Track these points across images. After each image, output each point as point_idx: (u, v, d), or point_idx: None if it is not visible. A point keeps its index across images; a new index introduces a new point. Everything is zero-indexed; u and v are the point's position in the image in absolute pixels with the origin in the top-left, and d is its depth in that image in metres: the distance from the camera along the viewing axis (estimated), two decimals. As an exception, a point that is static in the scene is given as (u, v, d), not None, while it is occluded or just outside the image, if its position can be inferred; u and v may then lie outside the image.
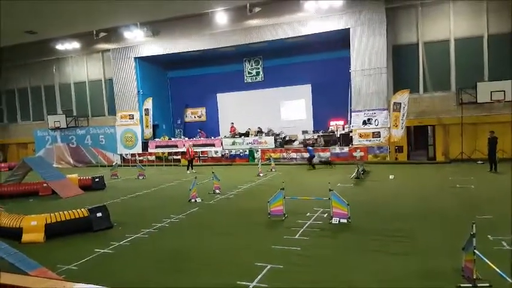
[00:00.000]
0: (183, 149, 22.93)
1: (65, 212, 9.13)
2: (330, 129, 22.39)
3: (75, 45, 26.18)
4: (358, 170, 15.02)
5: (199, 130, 25.99)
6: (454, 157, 19.14)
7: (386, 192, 12.27)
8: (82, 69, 27.95)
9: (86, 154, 26.89)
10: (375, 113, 20.02)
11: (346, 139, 20.95)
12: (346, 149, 20.47)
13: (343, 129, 21.99)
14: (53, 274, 6.20)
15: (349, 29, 20.30)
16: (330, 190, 8.82)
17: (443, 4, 19.37)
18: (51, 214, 8.96)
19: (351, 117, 21.12)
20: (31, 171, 15.98)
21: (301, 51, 23.41)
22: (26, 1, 18.58)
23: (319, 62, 23.35)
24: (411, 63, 20.15)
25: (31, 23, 22.50)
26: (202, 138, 24.76)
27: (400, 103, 19.03)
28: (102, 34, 25.20)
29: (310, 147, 19.50)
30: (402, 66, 20.40)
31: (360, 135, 20.31)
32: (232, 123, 25.38)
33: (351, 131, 20.83)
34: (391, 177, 15.14)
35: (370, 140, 20.07)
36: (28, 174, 16.43)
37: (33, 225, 8.64)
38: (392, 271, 6.03)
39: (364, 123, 20.19)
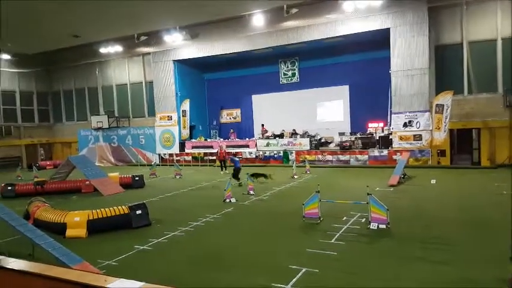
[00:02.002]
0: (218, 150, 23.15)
1: (106, 209, 9.44)
2: (368, 131, 21.88)
3: (117, 48, 27.08)
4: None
5: (231, 131, 26.20)
6: (501, 162, 18.17)
7: (427, 198, 11.81)
8: (124, 72, 28.92)
9: (126, 153, 27.79)
10: (416, 115, 19.37)
11: (386, 142, 20.38)
12: (385, 152, 19.92)
13: (383, 131, 21.38)
14: (94, 269, 6.43)
15: (388, 29, 19.79)
16: (368, 194, 8.60)
17: (490, 2, 18.46)
18: (93, 211, 9.31)
19: (390, 119, 20.55)
20: (75, 169, 16.69)
21: (338, 51, 23.05)
22: (71, 6, 19.39)
23: (358, 62, 22.90)
24: (455, 64, 19.34)
25: (76, 27, 23.47)
26: (235, 139, 24.96)
27: (443, 105, 18.30)
28: (142, 38, 25.94)
29: (236, 158, 17.32)
30: (445, 67, 19.63)
31: (400, 138, 19.70)
32: (263, 124, 25.50)
33: (391, 133, 20.26)
34: (432, 181, 14.59)
35: (411, 143, 19.43)
36: (72, 172, 17.19)
37: (76, 221, 9.01)
38: (432, 279, 5.79)
39: (405, 125, 19.57)
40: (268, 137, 23.85)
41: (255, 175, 15.10)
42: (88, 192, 15.30)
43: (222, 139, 25.68)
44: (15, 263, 3.34)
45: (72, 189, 15.64)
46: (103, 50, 27.32)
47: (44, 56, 29.88)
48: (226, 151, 21.88)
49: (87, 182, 15.40)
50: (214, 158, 23.98)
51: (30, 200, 11.07)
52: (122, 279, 2.76)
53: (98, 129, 28.22)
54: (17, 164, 27.39)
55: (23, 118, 30.34)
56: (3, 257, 3.64)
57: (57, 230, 8.92)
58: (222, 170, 20.02)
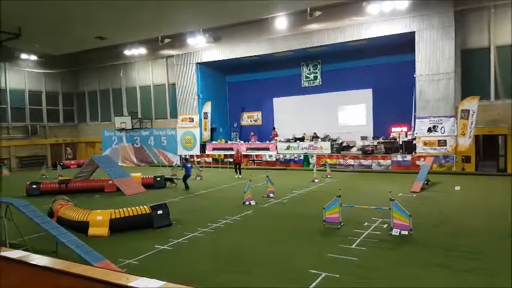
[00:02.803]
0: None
1: (128, 209, 9.59)
2: (391, 136, 21.49)
3: (141, 50, 27.53)
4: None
5: (252, 133, 26.22)
6: (529, 170, 17.54)
7: (451, 204, 11.50)
8: (147, 74, 29.37)
9: (148, 154, 28.18)
10: (441, 120, 18.92)
11: (409, 147, 19.96)
12: (408, 157, 19.52)
13: (406, 136, 20.97)
14: (115, 267, 6.51)
15: (414, 32, 19.43)
16: (391, 200, 8.44)
17: (519, 5, 17.90)
18: (116, 210, 9.46)
19: (414, 123, 20.14)
20: (98, 168, 17.01)
21: (362, 54, 22.78)
22: (97, 8, 19.84)
23: (381, 66, 22.57)
24: (481, 68, 18.79)
25: (101, 29, 23.97)
26: (256, 142, 24.97)
27: (469, 110, 17.82)
28: (166, 40, 26.30)
29: (188, 165, 16.51)
30: (471, 71, 19.10)
31: (425, 143, 19.28)
32: (275, 127, 25.51)
33: (415, 138, 19.84)
34: (457, 188, 14.21)
35: (435, 149, 18.98)
36: (95, 171, 17.52)
37: (98, 220, 9.17)
38: (457, 288, 5.62)
39: (429, 130, 19.14)
40: (288, 140, 23.73)
41: (169, 179, 17.11)
42: (111, 191, 15.56)
43: (242, 141, 25.73)
44: (39, 259, 3.40)
45: (95, 189, 15.95)
46: (127, 52, 27.83)
47: (70, 57, 30.66)
48: (243, 154, 21.67)
49: (110, 182, 15.67)
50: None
51: (54, 198, 11.33)
52: (143, 278, 2.77)
53: (121, 129, 28.72)
54: (42, 163, 28.19)
55: (49, 118, 31.13)
56: (28, 253, 3.72)
57: (80, 228, 9.09)
58: (236, 173, 19.49)
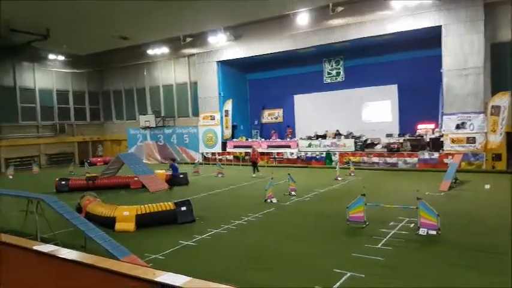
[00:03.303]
0: (259, 150, 23.18)
1: (153, 205, 9.74)
2: (417, 133, 21.00)
3: (164, 50, 27.89)
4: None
5: (272, 131, 26.16)
6: None
7: (481, 204, 11.16)
8: (170, 73, 29.73)
9: (171, 151, 28.55)
10: (469, 117, 18.35)
11: (436, 144, 19.44)
12: (436, 155, 19.04)
13: (433, 133, 20.42)
14: (141, 262, 6.62)
15: (440, 26, 18.91)
16: (418, 199, 8.24)
17: (553, -4, 17.17)
18: (141, 206, 9.63)
19: (442, 120, 19.60)
20: (124, 165, 17.35)
21: (386, 50, 22.30)
22: (121, 8, 20.20)
23: (407, 61, 22.01)
24: (513, 63, 18.16)
25: (125, 29, 24.42)
26: (276, 139, 24.90)
27: (500, 106, 17.19)
28: (188, 39, 26.57)
29: (175, 164, 16.47)
30: (502, 66, 18.40)
31: (452, 141, 18.74)
32: (289, 125, 25.45)
33: (442, 136, 19.32)
34: (486, 187, 13.75)
35: (463, 146, 18.43)
36: (121, 168, 17.87)
37: (125, 215, 9.35)
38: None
39: (458, 127, 18.59)
40: (310, 137, 23.54)
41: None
42: (136, 188, 15.85)
43: (263, 139, 25.72)
44: (69, 254, 3.48)
45: (121, 185, 16.29)
46: (150, 51, 28.23)
47: (95, 57, 31.38)
48: (259, 153, 21.20)
49: (136, 178, 15.95)
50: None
51: (82, 194, 11.63)
52: (169, 273, 2.80)
53: (145, 128, 29.22)
54: (70, 160, 29.02)
55: (76, 116, 31.94)
56: (58, 247, 3.81)
57: (107, 223, 9.29)
58: (254, 172, 18.95)
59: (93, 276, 3.07)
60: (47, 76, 29.90)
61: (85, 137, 32.26)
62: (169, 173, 17.01)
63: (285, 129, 25.92)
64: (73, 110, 31.76)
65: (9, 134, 27.24)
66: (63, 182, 16.16)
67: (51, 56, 28.98)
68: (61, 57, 29.58)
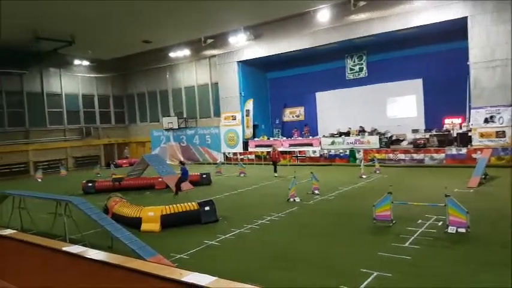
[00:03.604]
0: (281, 148, 23.11)
1: (178, 205, 9.83)
2: (444, 128, 20.43)
3: (185, 52, 28.16)
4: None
5: (294, 129, 26.03)
6: None
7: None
8: (191, 75, 29.99)
9: (194, 152, 28.85)
10: (499, 110, 17.71)
11: (464, 139, 18.85)
12: (464, 150, 18.48)
13: (461, 127, 19.80)
14: (167, 261, 6.68)
15: (466, 17, 18.36)
16: (446, 196, 8.00)
17: None
18: (166, 206, 9.73)
19: (469, 114, 19.00)
20: (148, 167, 17.60)
21: (410, 43, 21.78)
22: (143, 12, 20.52)
23: (432, 54, 21.44)
24: (544, 53, 17.43)
25: (147, 33, 24.80)
26: (298, 138, 24.74)
27: (530, 98, 16.57)
28: (209, 41, 26.76)
29: (186, 168, 14.90)
30: (532, 57, 17.75)
31: (481, 135, 18.16)
32: (306, 124, 25.48)
33: (470, 130, 18.73)
34: (518, 182, 13.27)
35: (493, 140, 17.83)
36: (146, 169, 18.15)
37: (150, 216, 9.47)
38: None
39: (486, 121, 17.98)
40: (333, 135, 23.28)
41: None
42: (160, 188, 16.05)
43: (284, 138, 25.61)
44: (97, 254, 3.53)
45: (146, 186, 16.54)
46: (172, 54, 28.56)
47: (119, 62, 32.05)
48: (280, 152, 20.56)
49: (160, 179, 16.16)
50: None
51: (109, 195, 11.85)
52: (195, 273, 2.80)
53: (168, 129, 29.63)
54: (96, 162, 29.72)
55: (101, 120, 32.67)
56: (86, 248, 3.88)
57: (133, 224, 9.42)
58: (275, 172, 18.51)
59: (120, 276, 3.10)
60: (72, 81, 30.71)
61: (110, 140, 32.96)
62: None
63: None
64: (98, 113, 32.48)
65: (37, 138, 28.12)
66: (90, 184, 16.51)
67: (77, 62, 29.77)
68: (86, 63, 30.34)
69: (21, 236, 5.01)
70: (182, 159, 28.28)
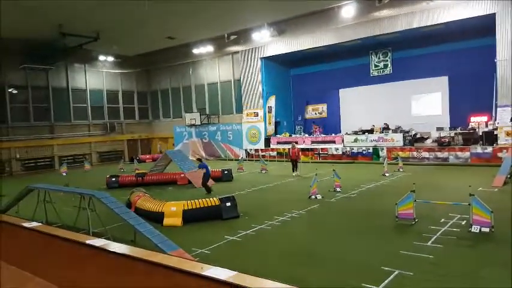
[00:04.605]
0: (303, 146, 22.96)
1: (200, 200, 9.93)
2: (470, 126, 19.93)
3: (208, 48, 28.34)
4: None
5: (313, 126, 25.91)
6: None
7: (540, 200, 10.42)
8: (214, 71, 30.19)
9: (216, 148, 29.07)
10: (526, 109, 17.20)
11: (490, 137, 18.38)
12: (489, 149, 17.99)
13: (487, 126, 19.29)
14: (189, 256, 6.79)
15: (494, 14, 17.81)
16: (470, 195, 7.83)
17: None
18: (188, 201, 9.86)
19: (496, 112, 18.49)
20: (171, 162, 17.83)
21: (436, 40, 21.35)
22: (167, 9, 20.75)
23: (458, 51, 20.98)
24: None
25: (171, 29, 25.07)
26: (321, 135, 24.58)
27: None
28: (232, 37, 26.82)
29: (203, 163, 14.39)
30: None
31: (507, 134, 17.63)
32: (314, 121, 25.35)
33: (496, 129, 18.22)
34: (545, 182, 12.83)
35: (520, 139, 17.31)
36: (168, 165, 18.38)
37: (172, 211, 9.62)
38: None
39: (513, 119, 17.51)
40: (356, 132, 23.00)
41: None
42: (183, 184, 16.25)
43: (307, 135, 25.48)
44: (119, 248, 3.63)
45: (168, 181, 16.74)
46: (196, 50, 28.80)
47: (143, 58, 32.56)
48: (300, 150, 19.77)
49: (182, 175, 16.35)
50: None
51: (132, 190, 12.08)
52: (216, 267, 2.84)
53: (191, 125, 29.93)
54: (120, 157, 30.31)
55: (125, 115, 33.30)
56: (109, 241, 3.99)
57: (156, 218, 9.59)
58: (293, 171, 17.76)
59: (143, 270, 3.18)
60: (97, 77, 31.36)
61: (134, 135, 33.54)
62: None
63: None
64: (122, 109, 33.10)
65: (62, 133, 28.83)
66: (114, 179, 16.81)
67: (101, 58, 30.29)
68: (110, 58, 30.86)
69: (46, 228, 5.17)
70: (203, 155, 28.62)
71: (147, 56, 32.29)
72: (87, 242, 3.83)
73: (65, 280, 3.70)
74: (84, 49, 26.33)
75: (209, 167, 14.45)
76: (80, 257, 3.85)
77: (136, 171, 17.94)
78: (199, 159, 16.02)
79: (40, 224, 6.17)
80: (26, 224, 5.66)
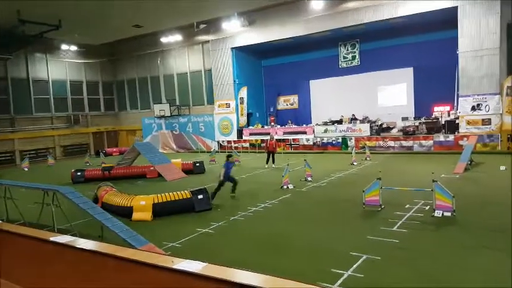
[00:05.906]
0: (276, 137, 23.10)
1: (170, 194, 9.80)
2: (433, 116, 20.69)
3: (177, 37, 27.73)
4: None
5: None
6: None
7: (496, 185, 10.99)
8: (184, 61, 29.63)
9: (187, 140, 28.73)
10: (485, 98, 17.98)
11: (452, 126, 19.17)
12: (451, 137, 18.76)
13: (449, 115, 20.14)
14: (159, 250, 6.72)
15: (456, 7, 18.44)
16: (433, 181, 8.16)
17: None
18: (158, 195, 9.70)
19: (457, 102, 19.27)
20: (140, 155, 17.49)
21: (402, 32, 21.88)
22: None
23: (422, 43, 21.60)
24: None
25: (138, 17, 24.23)
26: (293, 126, 24.80)
27: (516, 87, 16.79)
28: (202, 26, 26.32)
29: (231, 163, 11.72)
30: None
31: (468, 122, 18.43)
32: (271, 112, 26.14)
33: (458, 118, 19.00)
34: (502, 168, 13.50)
35: (479, 128, 18.11)
36: (137, 158, 18.02)
37: (142, 205, 9.45)
38: (500, 269, 5.46)
39: (473, 109, 18.26)
40: (325, 123, 23.35)
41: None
42: (152, 177, 15.96)
43: (279, 126, 25.62)
44: (86, 244, 3.53)
45: (137, 175, 16.37)
46: (164, 39, 28.12)
47: (108, 47, 31.53)
48: (277, 142, 19.41)
49: (152, 168, 16.08)
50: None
51: (98, 184, 11.73)
52: (187, 260, 2.82)
53: (160, 117, 29.37)
54: (85, 151, 29.33)
55: (90, 107, 32.10)
56: (75, 238, 3.88)
57: (124, 213, 9.41)
58: (267, 163, 17.27)
59: (111, 266, 3.12)
60: (59, 67, 29.98)
61: (100, 128, 32.59)
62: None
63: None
64: (87, 100, 31.85)
65: (23, 127, 27.51)
66: (79, 173, 16.29)
67: (64, 47, 28.93)
68: (74, 48, 29.56)
69: (7, 226, 4.98)
70: (173, 147, 28.20)
71: (113, 45, 31.32)
72: (52, 239, 3.70)
73: (30, 280, 3.59)
74: (45, 38, 25.06)
75: (230, 169, 11.67)
76: (44, 255, 3.73)
77: (103, 165, 17.48)
78: (229, 156, 12.02)
79: (1, 221, 5.92)
80: (-14, 223, 5.41)
